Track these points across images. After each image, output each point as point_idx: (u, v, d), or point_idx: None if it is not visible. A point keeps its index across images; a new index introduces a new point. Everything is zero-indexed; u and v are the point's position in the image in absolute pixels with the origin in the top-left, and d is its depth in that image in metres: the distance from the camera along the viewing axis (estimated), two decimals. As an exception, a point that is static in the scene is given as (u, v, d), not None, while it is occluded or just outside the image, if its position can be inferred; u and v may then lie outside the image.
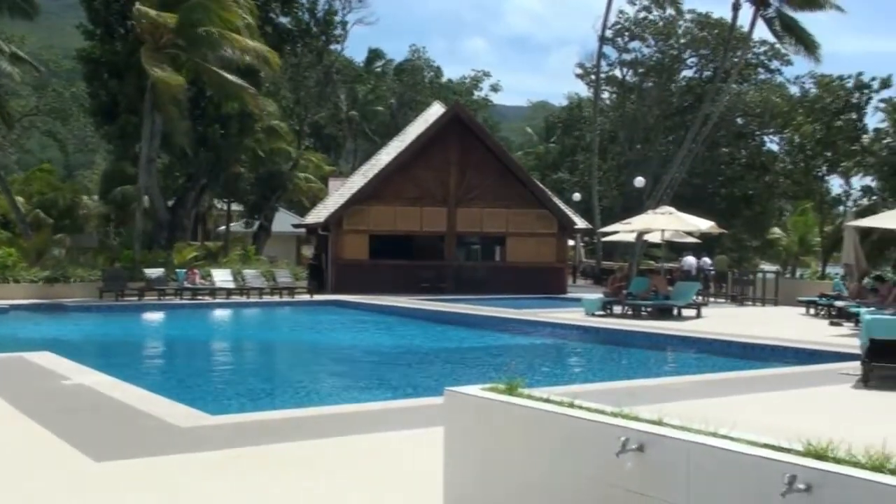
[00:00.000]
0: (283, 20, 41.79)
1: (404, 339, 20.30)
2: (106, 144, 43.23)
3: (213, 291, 27.25)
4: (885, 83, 38.20)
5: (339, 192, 33.90)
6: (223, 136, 35.33)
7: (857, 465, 3.64)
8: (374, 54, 71.07)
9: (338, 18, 52.34)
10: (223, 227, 50.77)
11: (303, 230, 39.48)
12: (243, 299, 27.39)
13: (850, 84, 39.42)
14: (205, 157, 34.85)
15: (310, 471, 6.57)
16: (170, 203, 36.74)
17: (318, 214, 33.72)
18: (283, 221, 47.25)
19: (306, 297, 28.63)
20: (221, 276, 28.10)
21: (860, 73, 39.38)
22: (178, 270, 27.62)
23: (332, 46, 54.61)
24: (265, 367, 16.84)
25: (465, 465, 5.45)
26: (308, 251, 47.14)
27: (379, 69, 70.56)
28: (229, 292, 27.49)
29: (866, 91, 38.88)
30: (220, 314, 25.71)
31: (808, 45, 41.68)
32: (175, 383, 12.57)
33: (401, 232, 32.30)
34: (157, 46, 28.68)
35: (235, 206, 50.07)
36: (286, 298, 28.09)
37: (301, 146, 50.58)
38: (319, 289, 30.26)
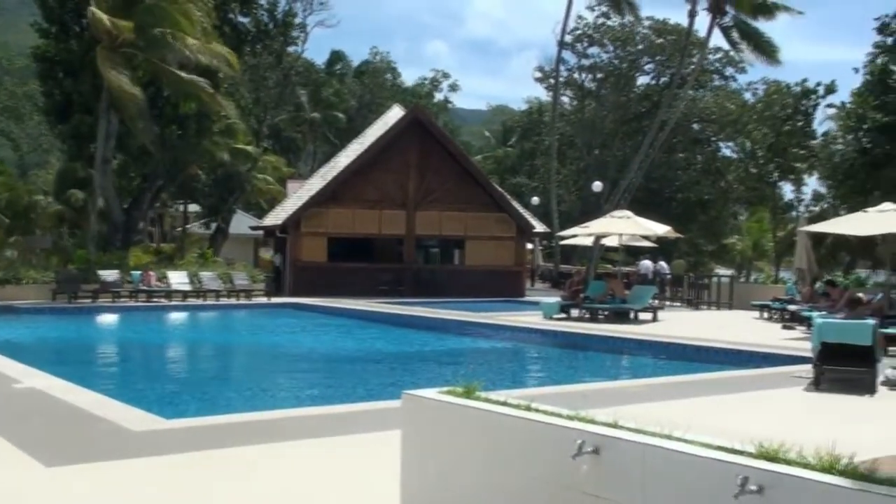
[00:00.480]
0: (242, 20, 41.52)
1: (362, 342, 20.25)
2: (60, 144, 42.59)
3: (169, 294, 26.96)
4: (830, 89, 38.95)
5: (298, 195, 33.75)
6: (180, 136, 34.98)
7: (807, 466, 3.70)
8: (336, 56, 70.90)
9: (298, 20, 52.15)
10: (180, 229, 50.27)
11: (260, 232, 39.23)
12: (200, 302, 27.12)
13: (796, 90, 40.10)
14: (161, 158, 34.48)
15: (266, 474, 6.52)
16: (125, 204, 36.28)
17: (277, 216, 33.54)
18: (241, 223, 46.90)
19: (263, 299, 28.43)
20: (178, 279, 27.81)
21: (805, 80, 40.09)
22: (133, 272, 27.29)
23: (292, 48, 54.38)
24: (222, 371, 16.68)
25: (421, 468, 5.45)
26: (267, 253, 46.85)
27: (341, 71, 70.37)
28: (185, 295, 27.21)
29: (813, 97, 39.59)
30: (176, 317, 25.44)
31: (766, 50, 42.32)
32: (130, 387, 12.40)
33: (359, 234, 32.23)
34: (113, 46, 28.32)
35: (192, 208, 49.63)
36: (243, 301, 27.87)
37: (260, 148, 50.27)
38: (277, 291, 30.08)
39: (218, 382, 14.14)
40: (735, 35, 43.11)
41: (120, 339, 21.36)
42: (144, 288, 26.53)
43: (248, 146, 45.22)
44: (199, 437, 7.62)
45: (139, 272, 27.27)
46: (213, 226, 47.37)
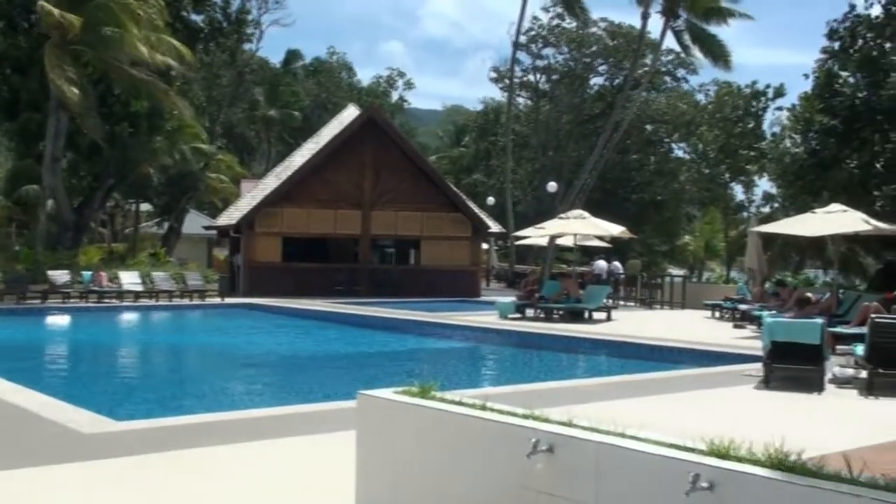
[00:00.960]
0: (195, 18, 41.08)
1: (317, 343, 20.16)
2: (7, 142, 41.80)
3: (121, 294, 26.59)
4: (779, 92, 39.64)
5: (252, 194, 33.50)
6: (132, 134, 34.51)
7: (756, 463, 3.76)
8: (292, 55, 70.49)
9: (252, 18, 51.75)
10: (132, 229, 49.60)
11: (214, 232, 38.86)
12: (152, 302, 26.80)
13: (746, 92, 40.74)
14: (112, 157, 33.99)
15: (219, 477, 6.47)
16: (75, 203, 35.70)
17: (230, 216, 33.24)
18: (194, 223, 46.39)
19: (217, 300, 28.17)
20: (129, 279, 27.44)
21: (755, 83, 40.74)
22: (84, 273, 26.86)
23: (247, 46, 53.93)
24: (174, 372, 16.50)
25: (377, 468, 5.44)
26: (221, 253, 46.40)
27: (297, 70, 69.97)
28: (137, 295, 26.85)
29: (762, 99, 40.25)
30: (128, 317, 25.10)
31: (718, 54, 42.96)
32: (80, 389, 12.21)
33: (314, 234, 32.07)
34: (62, 42, 27.86)
35: (145, 207, 48.98)
36: (196, 301, 27.58)
37: (214, 146, 49.78)
38: (230, 292, 29.82)
39: (171, 383, 13.99)
40: (687, 38, 43.72)
41: (70, 341, 21.02)
42: (95, 288, 26.13)
43: (202, 145, 44.76)
44: (151, 439, 7.53)
45: (90, 272, 26.85)
46: (166, 225, 46.80)
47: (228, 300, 28.26)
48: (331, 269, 31.81)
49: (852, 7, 25.46)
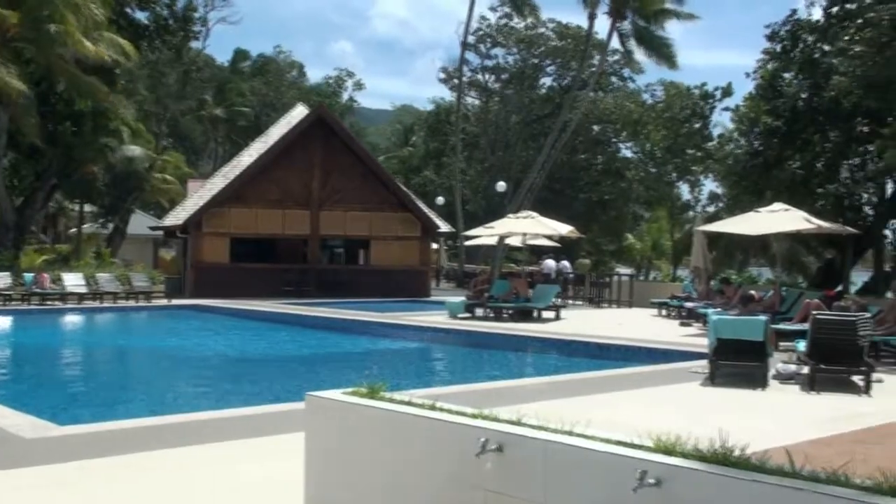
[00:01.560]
0: (140, 14, 40.46)
1: (265, 344, 20.00)
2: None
3: (64, 296, 26.10)
4: (727, 92, 40.25)
5: (199, 194, 33.12)
6: (75, 133, 33.89)
7: (702, 458, 3.82)
8: (240, 54, 69.82)
9: (199, 15, 51.10)
10: (75, 230, 48.71)
11: (160, 233, 38.34)
12: (97, 304, 26.35)
13: (695, 93, 41.30)
14: (55, 156, 33.35)
15: (164, 481, 6.39)
16: (17, 203, 34.95)
17: (177, 216, 32.82)
18: (140, 223, 45.70)
19: (164, 301, 27.80)
20: (73, 281, 26.94)
21: (704, 84, 41.33)
22: (25, 274, 26.31)
23: (193, 44, 53.27)
24: (119, 375, 16.24)
25: (326, 469, 5.42)
26: (167, 254, 45.79)
27: (244, 69, 69.33)
28: (81, 297, 26.38)
29: (710, 100, 40.83)
30: (72, 320, 24.64)
31: (664, 55, 43.51)
32: (21, 393, 11.97)
33: (263, 235, 31.82)
34: (2, 40, 27.26)
35: (89, 208, 48.13)
36: (142, 303, 27.19)
37: (159, 146, 49.11)
38: (177, 293, 29.44)
39: (116, 387, 13.77)
40: (633, 40, 44.22)
41: (11, 344, 20.55)
42: (38, 290, 25.62)
43: (148, 144, 44.14)
44: (95, 444, 7.40)
45: (32, 274, 26.31)
46: (111, 226, 46.03)
47: (175, 301, 27.90)
48: (279, 270, 31.59)
49: (794, 11, 25.98)
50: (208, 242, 30.88)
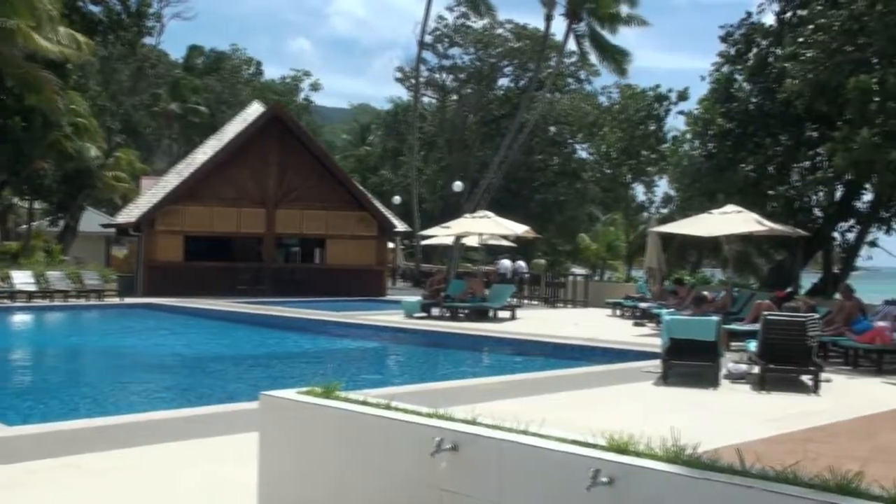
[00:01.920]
0: (93, 9, 39.88)
1: (220, 343, 19.82)
2: None
3: (13, 294, 25.63)
4: (682, 96, 40.67)
5: (153, 192, 32.72)
6: (25, 129, 33.28)
7: (654, 457, 3.86)
8: (195, 50, 69.11)
9: (153, 10, 50.50)
10: (25, 227, 47.86)
11: (112, 230, 37.82)
12: (47, 302, 25.91)
13: (650, 95, 41.67)
14: (3, 152, 32.72)
15: (117, 481, 6.30)
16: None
17: (130, 214, 32.39)
18: (92, 221, 45.05)
19: (116, 300, 27.42)
20: (22, 279, 26.46)
21: (658, 86, 41.72)
22: (-28, 272, 25.81)
23: (147, 40, 52.65)
24: (70, 375, 15.98)
25: (280, 469, 5.38)
26: (120, 251, 45.19)
27: (198, 65, 68.63)
28: (31, 295, 25.93)
29: (665, 102, 41.23)
30: (21, 319, 24.20)
31: (615, 59, 43.97)
32: (-32, 393, 11.74)
33: (217, 233, 31.54)
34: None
35: (39, 205, 47.31)
36: (94, 301, 26.79)
37: (112, 143, 48.42)
38: (130, 292, 29.06)
39: (67, 387, 13.55)
40: (587, 42, 44.61)
41: (-42, 343, 20.14)
42: (-15, 288, 25.15)
43: (100, 140, 43.49)
44: (46, 445, 7.26)
45: (-21, 272, 25.82)
46: (62, 223, 45.31)
47: (128, 300, 27.54)
48: (234, 269, 31.33)
49: (748, 14, 26.32)
50: (162, 240, 30.53)
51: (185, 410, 9.26)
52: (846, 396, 11.12)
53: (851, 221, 25.72)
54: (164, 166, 53.01)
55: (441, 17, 57.76)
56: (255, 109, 36.06)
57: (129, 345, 19.45)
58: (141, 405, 10.86)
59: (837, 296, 20.23)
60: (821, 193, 25.05)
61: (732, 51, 26.30)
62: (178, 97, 61.63)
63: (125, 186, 45.78)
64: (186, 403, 10.52)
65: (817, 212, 25.32)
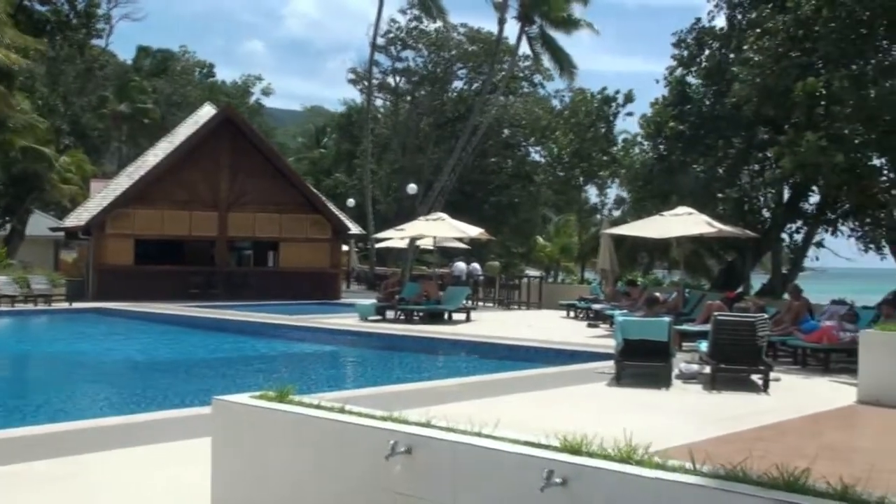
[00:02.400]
0: (40, 9, 39.22)
1: (172, 348, 19.59)
2: None
3: (-42, 300, 25.10)
4: (629, 98, 41.11)
5: (102, 195, 32.23)
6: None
7: (607, 457, 3.89)
8: (143, 51, 68.23)
9: (102, 12, 49.79)
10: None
11: (61, 234, 37.20)
12: (-8, 308, 25.40)
13: (597, 98, 42.01)
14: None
15: (67, 489, 6.20)
16: None
17: (79, 217, 31.88)
18: (40, 224, 44.22)
19: (65, 304, 26.96)
20: (-33, 284, 25.93)
21: (604, 88, 42.09)
22: (-85, 277, 25.21)
23: (96, 41, 51.89)
24: (17, 381, 15.69)
25: (233, 474, 5.34)
26: (69, 255, 44.45)
27: (146, 66, 67.79)
28: (-24, 300, 25.41)
29: (613, 105, 41.61)
30: (-34, 324, 23.71)
31: (563, 63, 44.43)
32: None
33: (169, 236, 31.14)
34: None
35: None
36: (42, 306, 26.32)
37: (60, 145, 47.62)
38: (79, 296, 28.59)
39: (14, 394, 13.29)
40: (538, 45, 44.98)
41: None
42: (-71, 294, 24.57)
43: (48, 142, 42.72)
44: (-8, 453, 7.13)
45: (-77, 277, 25.22)
46: (8, 227, 44.43)
47: (77, 305, 27.08)
48: (186, 272, 30.97)
49: (698, 19, 26.65)
50: (112, 244, 30.08)
51: (136, 416, 9.14)
52: (794, 395, 11.32)
53: (799, 223, 26.16)
54: (114, 169, 52.28)
55: (394, 20, 57.73)
56: (206, 112, 35.69)
57: (79, 350, 19.13)
58: (91, 411, 10.70)
59: (786, 296, 20.59)
60: (769, 195, 25.44)
61: (685, 54, 26.62)
62: (126, 99, 60.76)
63: (74, 189, 45.02)
64: (137, 409, 10.39)
65: (766, 213, 25.71)
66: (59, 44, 43.37)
